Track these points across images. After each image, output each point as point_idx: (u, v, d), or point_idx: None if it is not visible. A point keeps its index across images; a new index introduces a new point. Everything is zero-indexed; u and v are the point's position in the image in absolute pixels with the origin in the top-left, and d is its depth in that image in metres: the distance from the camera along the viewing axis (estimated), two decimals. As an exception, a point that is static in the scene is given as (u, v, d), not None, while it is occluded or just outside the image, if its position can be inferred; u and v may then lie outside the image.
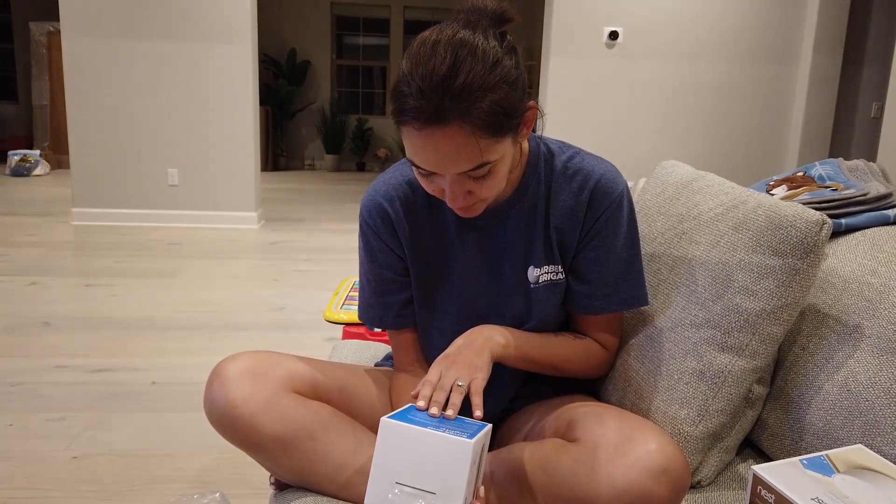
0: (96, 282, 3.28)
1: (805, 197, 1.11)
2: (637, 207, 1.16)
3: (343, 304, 2.97)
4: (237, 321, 2.79)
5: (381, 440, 0.73)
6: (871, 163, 1.15)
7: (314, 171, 8.78)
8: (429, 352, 1.03)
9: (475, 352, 0.86)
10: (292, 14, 8.73)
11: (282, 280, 3.44)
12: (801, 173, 1.21)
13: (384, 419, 0.74)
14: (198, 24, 4.43)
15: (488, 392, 0.99)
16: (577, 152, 0.96)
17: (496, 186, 0.83)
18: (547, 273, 0.96)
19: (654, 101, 4.85)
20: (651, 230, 1.09)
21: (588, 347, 0.99)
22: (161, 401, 2.03)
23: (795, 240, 0.87)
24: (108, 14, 4.38)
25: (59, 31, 7.39)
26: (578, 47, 4.71)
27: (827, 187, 1.13)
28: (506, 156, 0.81)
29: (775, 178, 1.24)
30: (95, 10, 4.36)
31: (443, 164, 0.78)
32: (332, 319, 2.85)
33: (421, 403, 0.78)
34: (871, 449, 0.83)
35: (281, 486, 0.94)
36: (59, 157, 7.70)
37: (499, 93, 0.75)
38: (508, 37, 0.80)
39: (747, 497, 0.75)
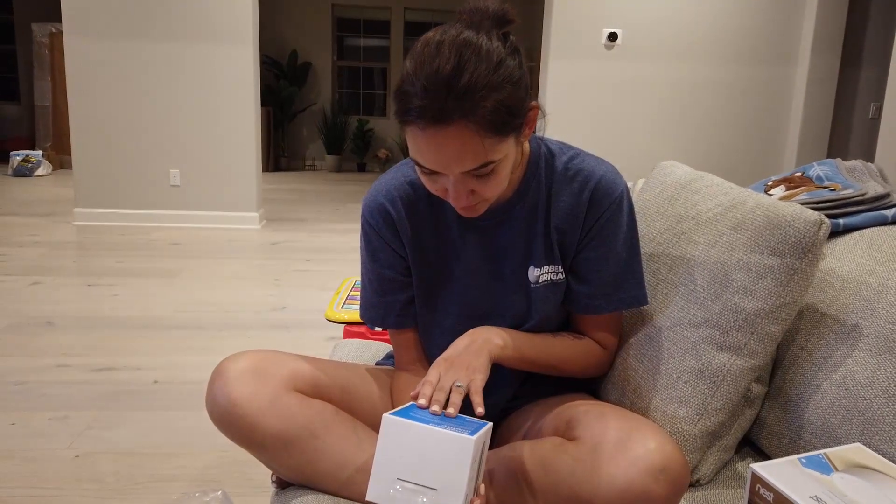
0: (98, 281, 3.29)
1: (803, 197, 1.12)
2: (636, 208, 1.16)
3: (344, 304, 2.98)
4: (239, 321, 2.79)
5: (382, 437, 0.74)
6: (868, 163, 1.15)
7: (315, 172, 8.79)
8: (429, 351, 1.04)
9: (474, 353, 0.87)
10: (293, 15, 8.74)
11: (283, 280, 3.45)
12: (799, 174, 1.22)
13: (386, 416, 0.74)
14: (200, 25, 4.44)
15: (488, 392, 1.00)
16: (578, 153, 0.97)
17: (499, 186, 0.83)
18: (547, 273, 0.97)
19: (653, 102, 4.85)
20: (650, 230, 1.09)
21: (587, 347, 1.00)
22: (163, 400, 2.04)
23: (794, 240, 0.87)
24: (110, 15, 4.39)
25: (61, 32, 7.41)
26: (578, 48, 4.72)
27: (825, 187, 1.14)
28: (509, 155, 0.82)
29: (773, 178, 1.24)
30: (97, 11, 4.37)
31: (446, 164, 0.78)
32: (333, 319, 2.86)
33: (422, 401, 0.78)
34: (869, 447, 0.83)
35: (282, 485, 0.95)
36: (61, 157, 7.71)
37: (502, 92, 0.76)
38: (511, 37, 0.81)
39: (746, 495, 0.75)
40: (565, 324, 1.05)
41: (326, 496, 0.90)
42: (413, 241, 0.98)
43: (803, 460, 0.76)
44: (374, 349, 1.39)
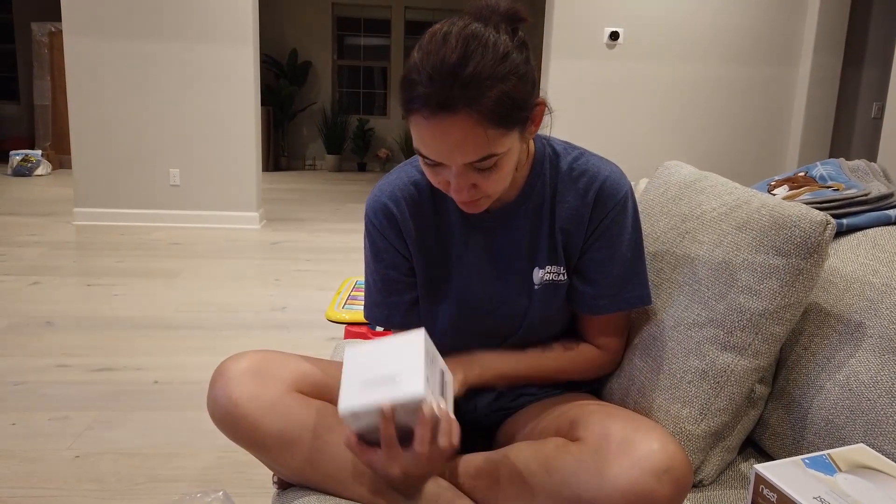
0: (98, 281, 3.28)
1: (806, 197, 1.11)
2: (640, 207, 1.16)
3: (345, 304, 2.97)
4: (239, 321, 2.79)
5: (345, 364, 0.81)
6: (872, 163, 1.15)
7: (315, 172, 8.78)
8: (431, 351, 1.04)
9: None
10: (293, 15, 8.74)
11: (283, 280, 3.45)
12: (802, 173, 1.22)
13: (346, 348, 0.85)
14: (200, 24, 4.44)
15: (478, 390, 1.02)
16: (583, 153, 0.96)
17: (501, 181, 0.83)
18: (549, 274, 0.96)
19: (655, 101, 4.85)
20: (654, 230, 1.09)
21: (581, 355, 1.00)
22: (163, 400, 2.04)
23: (799, 240, 0.87)
24: (109, 14, 4.38)
25: (60, 32, 7.41)
26: (579, 48, 4.71)
27: (828, 187, 1.14)
28: (512, 150, 0.82)
29: (776, 178, 1.24)
30: (97, 10, 4.37)
31: (450, 154, 0.78)
32: (334, 319, 2.85)
33: None
34: (873, 448, 0.83)
35: (284, 485, 0.95)
36: (60, 157, 7.71)
37: (508, 84, 0.76)
38: (520, 33, 0.81)
39: (749, 496, 0.75)
40: (569, 325, 1.04)
41: (328, 497, 0.89)
42: (417, 241, 0.97)
43: (807, 461, 0.75)
44: (375, 349, 1.38)
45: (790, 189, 1.17)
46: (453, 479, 0.92)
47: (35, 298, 2.98)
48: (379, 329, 2.62)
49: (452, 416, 0.80)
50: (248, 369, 0.89)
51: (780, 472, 0.73)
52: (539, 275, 0.96)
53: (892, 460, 0.80)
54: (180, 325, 2.70)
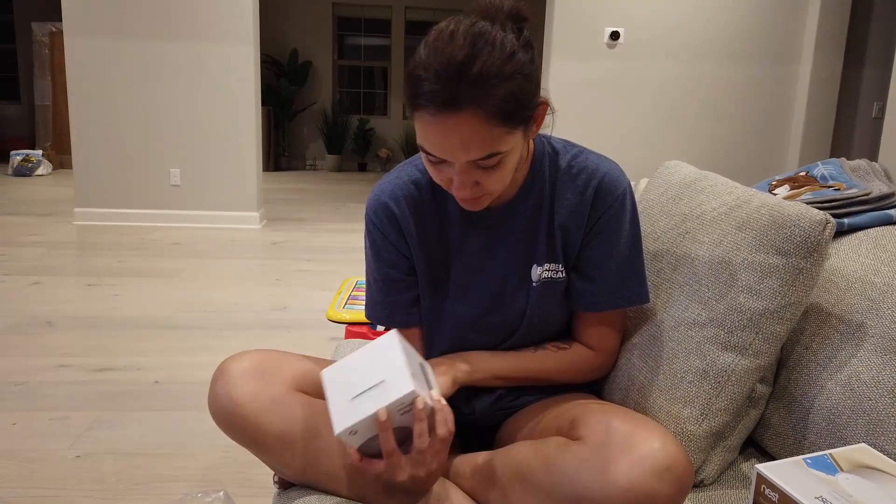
0: (99, 281, 3.28)
1: (807, 197, 1.11)
2: (640, 207, 1.16)
3: (346, 304, 2.97)
4: (239, 321, 2.79)
5: (326, 388, 0.80)
6: (873, 162, 1.15)
7: (316, 172, 8.79)
8: (432, 349, 1.04)
9: (438, 373, 0.93)
10: (294, 15, 8.74)
11: (284, 280, 3.45)
12: (803, 173, 1.21)
13: (322, 372, 0.82)
14: (200, 24, 4.44)
15: (476, 394, 1.03)
16: (581, 151, 0.97)
17: (503, 180, 0.83)
18: (548, 271, 0.97)
19: (656, 101, 4.85)
20: (654, 229, 1.09)
21: (576, 355, 1.00)
22: (164, 400, 2.04)
23: (799, 239, 0.87)
24: (110, 14, 4.39)
25: (61, 32, 7.41)
26: (579, 48, 4.71)
27: (829, 187, 1.14)
28: (515, 149, 0.82)
29: (777, 177, 1.24)
30: (98, 10, 4.37)
31: (453, 151, 0.78)
32: (335, 319, 2.85)
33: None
34: (874, 448, 0.83)
35: (285, 485, 0.95)
36: (61, 157, 7.72)
37: (513, 83, 0.76)
38: (525, 32, 0.81)
39: (751, 496, 0.75)
40: (568, 324, 1.04)
41: (329, 496, 0.89)
42: (417, 240, 0.98)
43: (808, 461, 0.75)
44: (375, 349, 1.38)
45: (791, 189, 1.17)
46: (455, 479, 0.92)
47: (36, 298, 2.98)
48: (380, 328, 2.61)
49: (443, 401, 0.81)
50: (250, 369, 0.89)
51: (781, 471, 0.73)
52: (537, 272, 0.96)
53: (894, 460, 0.80)
54: (181, 325, 2.70)
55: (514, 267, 0.97)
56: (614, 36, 4.69)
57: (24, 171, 6.99)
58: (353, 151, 9.06)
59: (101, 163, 4.57)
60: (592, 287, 0.96)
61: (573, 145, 0.98)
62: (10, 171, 7.01)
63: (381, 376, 0.77)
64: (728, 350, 0.90)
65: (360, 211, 5.74)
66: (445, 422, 0.79)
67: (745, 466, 1.00)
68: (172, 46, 4.46)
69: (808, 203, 1.08)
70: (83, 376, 2.19)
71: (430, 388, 0.83)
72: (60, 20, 7.46)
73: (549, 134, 0.97)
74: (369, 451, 0.81)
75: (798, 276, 0.88)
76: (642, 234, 1.09)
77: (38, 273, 3.39)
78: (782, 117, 4.94)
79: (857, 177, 1.14)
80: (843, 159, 1.19)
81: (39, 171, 7.10)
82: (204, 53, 4.48)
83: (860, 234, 1.03)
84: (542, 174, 0.95)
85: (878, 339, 0.88)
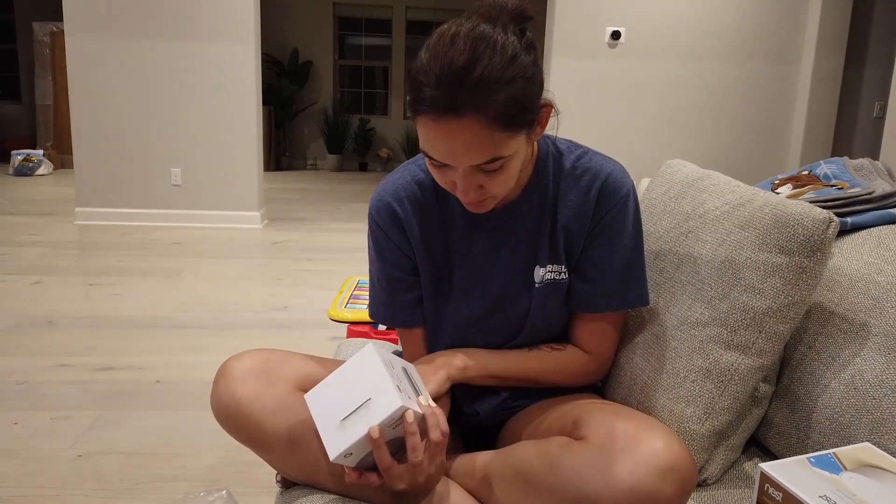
0: (100, 281, 3.28)
1: (810, 196, 1.11)
2: (642, 206, 1.16)
3: (347, 303, 2.97)
4: (240, 320, 2.79)
5: (312, 411, 0.80)
6: (876, 161, 1.15)
7: (316, 171, 8.79)
8: (435, 349, 1.03)
9: (432, 369, 0.93)
10: (295, 15, 8.74)
11: (285, 279, 3.45)
12: (806, 172, 1.21)
13: (305, 396, 0.81)
14: (201, 24, 4.44)
15: (481, 395, 1.02)
16: (586, 151, 0.96)
17: (507, 182, 0.83)
18: (551, 272, 0.96)
19: (657, 100, 4.85)
20: (657, 228, 1.09)
21: (567, 358, 1.00)
22: (165, 399, 2.04)
23: (802, 238, 0.87)
24: (111, 14, 4.39)
25: (62, 31, 7.41)
26: (580, 47, 4.71)
27: (832, 186, 1.13)
28: (518, 152, 0.82)
29: (780, 176, 1.24)
30: (99, 9, 4.37)
31: (456, 156, 0.78)
32: (336, 318, 2.85)
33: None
34: (878, 447, 0.83)
35: (287, 485, 0.95)
36: (62, 156, 7.72)
37: (515, 87, 0.76)
38: (528, 34, 0.80)
39: (755, 495, 0.75)
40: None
41: (331, 496, 0.89)
42: (420, 240, 0.97)
43: (812, 460, 0.75)
44: (377, 348, 1.38)
45: (794, 188, 1.17)
46: (457, 479, 0.92)
47: (37, 298, 2.98)
48: (382, 328, 2.61)
49: (433, 403, 0.81)
50: (252, 368, 0.89)
51: (785, 470, 0.73)
52: (540, 273, 0.96)
53: (898, 459, 0.80)
54: (182, 325, 2.70)
55: (518, 268, 0.97)
56: (615, 35, 4.69)
57: (25, 170, 6.99)
58: (354, 151, 9.06)
59: (102, 162, 4.57)
60: (592, 288, 0.96)
61: (577, 146, 0.97)
62: (11, 170, 7.01)
63: (366, 394, 0.77)
64: (731, 349, 0.90)
65: (361, 211, 5.74)
66: (438, 425, 0.79)
67: (748, 466, 1.00)
68: (174, 46, 4.45)
69: (811, 202, 1.07)
70: (84, 376, 2.19)
71: (417, 393, 0.82)
72: (61, 20, 7.46)
73: (554, 135, 0.97)
74: (365, 463, 0.81)
75: (801, 275, 0.87)
76: (645, 234, 1.09)
77: (39, 273, 3.39)
78: (783, 117, 4.94)
79: (859, 176, 1.13)
80: (846, 158, 1.19)
81: (40, 170, 7.10)
82: (205, 53, 4.48)
83: (863, 233, 1.03)
84: (546, 175, 0.95)
85: (881, 338, 0.87)
